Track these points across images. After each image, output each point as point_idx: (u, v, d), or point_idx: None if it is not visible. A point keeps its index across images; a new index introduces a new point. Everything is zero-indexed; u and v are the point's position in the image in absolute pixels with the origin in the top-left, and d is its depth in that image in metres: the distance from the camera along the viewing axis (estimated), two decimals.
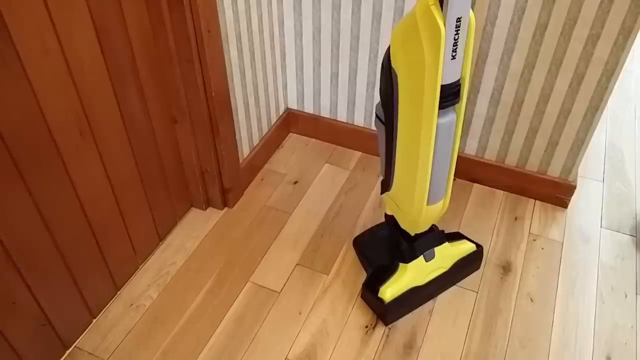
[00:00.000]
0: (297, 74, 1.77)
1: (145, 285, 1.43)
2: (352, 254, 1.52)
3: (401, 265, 1.33)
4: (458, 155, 1.34)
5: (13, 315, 1.09)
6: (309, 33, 1.65)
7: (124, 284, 1.43)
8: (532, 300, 1.42)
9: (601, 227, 1.62)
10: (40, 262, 1.13)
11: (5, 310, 1.07)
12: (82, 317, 1.31)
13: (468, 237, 1.45)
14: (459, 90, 1.06)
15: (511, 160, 1.66)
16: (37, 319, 1.16)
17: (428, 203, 1.21)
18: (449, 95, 1.05)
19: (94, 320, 1.35)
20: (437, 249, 1.35)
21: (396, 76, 1.07)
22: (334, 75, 1.71)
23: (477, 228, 1.60)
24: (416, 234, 1.32)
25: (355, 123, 1.81)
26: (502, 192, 1.72)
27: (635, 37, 1.29)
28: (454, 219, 1.63)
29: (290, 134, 1.94)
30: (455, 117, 1.11)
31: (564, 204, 1.67)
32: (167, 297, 1.41)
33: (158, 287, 1.43)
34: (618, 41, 1.31)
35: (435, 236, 1.35)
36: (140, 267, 1.48)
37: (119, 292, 1.41)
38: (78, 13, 1.04)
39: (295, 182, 1.75)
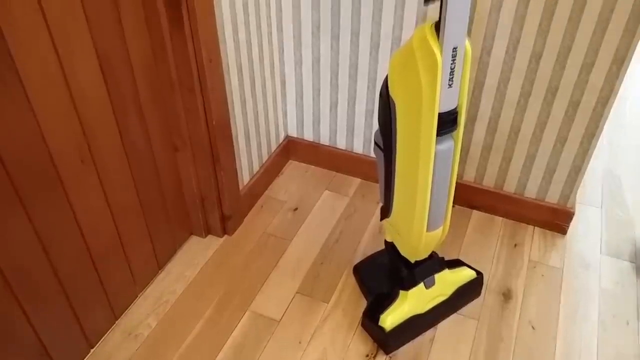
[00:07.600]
0: (297, 102, 1.79)
1: (144, 314, 1.42)
2: (352, 281, 1.51)
3: (401, 292, 1.32)
4: (456, 182, 1.35)
5: (11, 343, 1.08)
6: (309, 62, 1.67)
7: (123, 313, 1.42)
8: (533, 327, 1.41)
9: (601, 253, 1.62)
10: (39, 290, 1.12)
11: (3, 340, 1.06)
12: (79, 346, 1.30)
13: (468, 263, 1.44)
14: (456, 118, 1.08)
15: (509, 187, 1.67)
16: (35, 348, 1.15)
17: (427, 229, 1.21)
18: (447, 122, 1.06)
19: (92, 350, 1.33)
20: (437, 276, 1.34)
21: (394, 104, 1.08)
22: (333, 104, 1.73)
23: (477, 255, 1.60)
24: (416, 261, 1.32)
25: (354, 150, 1.83)
26: (501, 218, 1.72)
27: (629, 63, 1.31)
28: (453, 245, 1.63)
29: (290, 161, 1.95)
30: (453, 144, 1.12)
31: (563, 231, 1.67)
32: (166, 326, 1.39)
33: (157, 316, 1.42)
34: (612, 69, 1.34)
35: (435, 263, 1.35)
36: (140, 295, 1.47)
37: (117, 321, 1.40)
38: (81, 41, 1.06)
39: (295, 209, 1.75)
